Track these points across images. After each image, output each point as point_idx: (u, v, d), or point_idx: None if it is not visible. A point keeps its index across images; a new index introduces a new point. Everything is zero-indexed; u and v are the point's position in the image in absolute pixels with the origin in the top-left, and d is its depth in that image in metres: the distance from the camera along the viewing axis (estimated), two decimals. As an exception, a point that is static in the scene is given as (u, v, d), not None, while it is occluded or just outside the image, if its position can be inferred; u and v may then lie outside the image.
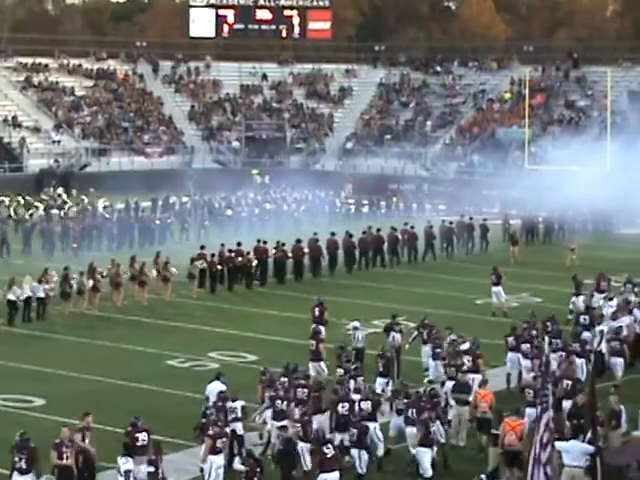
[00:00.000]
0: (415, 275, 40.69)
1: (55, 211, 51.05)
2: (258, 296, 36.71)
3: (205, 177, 62.08)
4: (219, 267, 37.16)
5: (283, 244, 39.09)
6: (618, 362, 26.06)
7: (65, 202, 54.27)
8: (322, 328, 27.74)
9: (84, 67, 78.04)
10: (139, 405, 22.98)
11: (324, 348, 25.52)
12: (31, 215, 48.63)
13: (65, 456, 17.87)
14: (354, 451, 19.53)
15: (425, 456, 19.32)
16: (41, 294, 32.14)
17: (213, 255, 37.18)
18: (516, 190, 55.25)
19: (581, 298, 32.03)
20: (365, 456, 19.50)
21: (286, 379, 21.89)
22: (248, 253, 38.01)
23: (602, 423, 19.64)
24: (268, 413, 21.00)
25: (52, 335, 30.61)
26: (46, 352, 28.90)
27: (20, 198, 53.75)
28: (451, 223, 46.10)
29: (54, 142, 69.15)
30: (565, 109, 70.91)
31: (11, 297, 31.58)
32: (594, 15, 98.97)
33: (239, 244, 38.40)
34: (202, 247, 37.82)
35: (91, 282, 33.44)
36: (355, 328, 27.02)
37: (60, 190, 58.69)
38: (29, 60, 76.33)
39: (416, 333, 26.89)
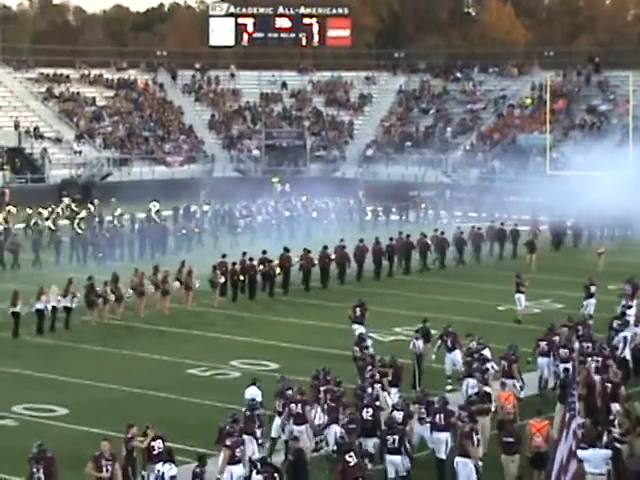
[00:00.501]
0: (438, 282, 40.47)
1: (65, 222, 50.56)
2: (280, 304, 36.65)
3: (225, 186, 62.08)
4: (241, 277, 37.11)
5: (309, 251, 39.07)
6: None
7: (75, 212, 53.76)
8: (364, 331, 28.02)
9: (105, 77, 78.38)
10: (160, 414, 22.97)
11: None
12: (79, 225, 48.38)
13: (105, 469, 17.77)
14: (395, 458, 19.39)
15: (466, 467, 19.02)
16: (67, 304, 32.27)
17: (234, 264, 37.14)
18: (538, 196, 55.02)
19: (592, 301, 32.25)
20: (407, 460, 19.37)
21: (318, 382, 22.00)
22: (271, 261, 38.02)
23: (627, 430, 19.53)
24: (277, 422, 20.97)
25: (76, 345, 30.62)
26: (69, 361, 28.95)
27: (60, 209, 53.71)
28: (479, 229, 46.11)
29: (76, 152, 69.38)
30: (587, 114, 70.61)
31: (39, 306, 31.70)
32: (615, 19, 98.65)
33: (264, 252, 38.42)
34: (223, 256, 37.72)
35: (114, 291, 33.54)
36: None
37: (67, 200, 58.01)
38: (50, 71, 76.71)
39: (440, 341, 26.76)
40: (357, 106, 79.28)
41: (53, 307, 31.97)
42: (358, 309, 29.41)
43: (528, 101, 73.73)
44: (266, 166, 73.11)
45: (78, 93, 75.57)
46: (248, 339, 31.40)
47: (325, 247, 39.70)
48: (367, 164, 72.18)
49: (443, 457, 19.96)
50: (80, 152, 69.43)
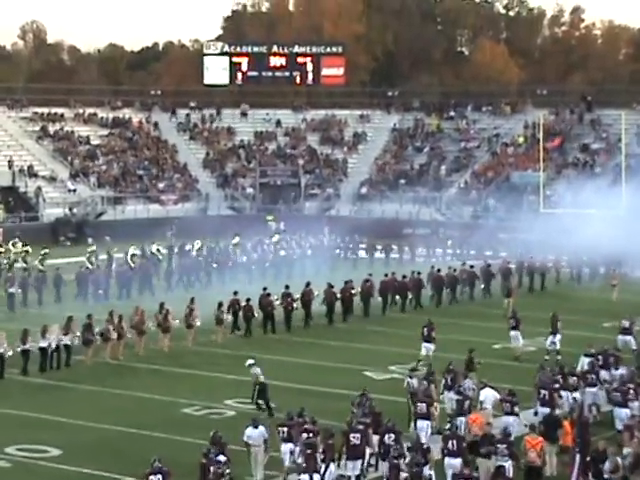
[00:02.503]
0: (435, 321, 40.26)
1: (22, 264, 49.84)
2: (279, 343, 36.37)
3: (220, 224, 62.01)
4: (256, 314, 36.97)
5: (332, 286, 39.29)
6: None
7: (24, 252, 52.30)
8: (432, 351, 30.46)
9: (99, 116, 78.58)
10: (154, 453, 22.73)
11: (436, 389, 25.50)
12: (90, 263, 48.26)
13: None
14: (455, 460, 20.00)
15: None
16: (68, 342, 32.22)
17: (248, 300, 36.93)
18: (532, 234, 55.12)
19: (558, 337, 32.81)
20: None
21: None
22: (291, 295, 38.14)
23: (616, 466, 19.61)
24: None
25: (72, 384, 30.44)
26: (64, 401, 28.74)
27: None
28: (509, 262, 46.79)
29: (70, 191, 69.44)
30: (579, 152, 70.87)
31: (43, 344, 31.60)
32: (607, 58, 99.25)
33: (287, 287, 38.58)
34: (235, 293, 37.60)
35: (113, 330, 33.36)
36: (250, 366, 27.17)
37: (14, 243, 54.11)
38: (44, 110, 76.87)
39: (443, 380, 26.53)
40: (351, 144, 79.53)
41: (55, 345, 31.88)
42: (426, 329, 31.73)
43: (521, 139, 74.03)
44: (261, 204, 73.24)
45: (72, 132, 75.72)
46: (244, 378, 31.18)
47: (347, 282, 40.01)
48: (361, 202, 72.34)
49: None
50: (74, 191, 69.48)
